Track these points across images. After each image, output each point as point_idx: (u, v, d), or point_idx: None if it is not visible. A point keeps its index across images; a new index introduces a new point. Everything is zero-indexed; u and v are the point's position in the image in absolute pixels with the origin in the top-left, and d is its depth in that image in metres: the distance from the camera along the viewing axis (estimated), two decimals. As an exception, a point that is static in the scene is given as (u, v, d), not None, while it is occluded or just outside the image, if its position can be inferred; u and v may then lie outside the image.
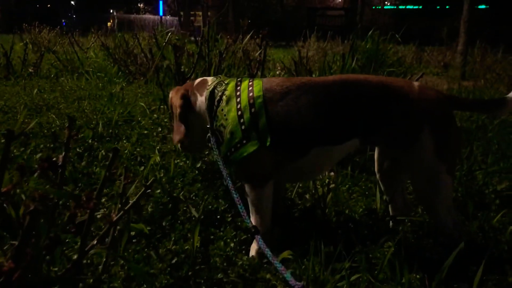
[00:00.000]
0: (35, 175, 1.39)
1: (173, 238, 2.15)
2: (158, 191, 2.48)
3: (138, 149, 3.27)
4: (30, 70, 7.01)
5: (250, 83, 2.17)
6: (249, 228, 1.89)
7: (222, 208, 2.43)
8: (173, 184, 2.63)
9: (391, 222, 2.42)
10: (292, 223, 2.39)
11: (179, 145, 2.34)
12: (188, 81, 2.48)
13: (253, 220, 2.11)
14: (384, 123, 2.04)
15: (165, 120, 3.89)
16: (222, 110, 2.14)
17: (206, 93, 2.22)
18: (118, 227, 1.80)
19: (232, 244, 2.16)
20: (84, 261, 1.82)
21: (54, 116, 4.19)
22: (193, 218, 2.32)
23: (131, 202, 1.65)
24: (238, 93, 2.14)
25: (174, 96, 2.31)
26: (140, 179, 2.63)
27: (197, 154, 2.98)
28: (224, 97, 2.16)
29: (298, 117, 2.04)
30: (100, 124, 3.69)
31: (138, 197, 1.67)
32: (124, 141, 3.52)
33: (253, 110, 2.06)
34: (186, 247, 2.05)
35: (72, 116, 4.10)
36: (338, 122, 2.06)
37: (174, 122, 2.28)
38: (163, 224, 2.28)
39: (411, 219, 2.39)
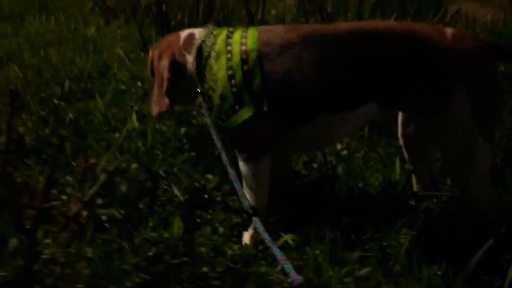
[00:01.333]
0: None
1: (150, 224, 2.13)
2: (134, 165, 2.44)
3: (113, 110, 3.21)
4: (-12, 8, 6.87)
5: (243, 34, 2.07)
6: (246, 209, 1.86)
7: (211, 185, 2.39)
8: (152, 155, 2.58)
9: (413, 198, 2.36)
10: (296, 201, 2.35)
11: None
12: (171, 34, 2.34)
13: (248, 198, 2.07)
14: (408, 82, 1.95)
15: (146, 72, 3.80)
16: (211, 69, 2.05)
17: (193, 50, 2.12)
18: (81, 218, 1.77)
19: (221, 230, 2.14)
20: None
21: (16, 68, 4.13)
22: (175, 199, 2.28)
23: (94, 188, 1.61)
24: (229, 47, 2.04)
25: (158, 59, 2.18)
26: (113, 151, 2.59)
27: (182, 116, 2.92)
28: (212, 53, 2.06)
29: (302, 76, 1.95)
30: (67, 80, 3.62)
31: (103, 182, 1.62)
32: (98, 100, 3.46)
33: (245, 67, 1.97)
34: (165, 236, 2.03)
35: (37, 68, 4.08)
36: (352, 82, 1.97)
37: (155, 89, 2.20)
38: (140, 206, 2.24)
39: (437, 194, 2.33)
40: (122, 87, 3.62)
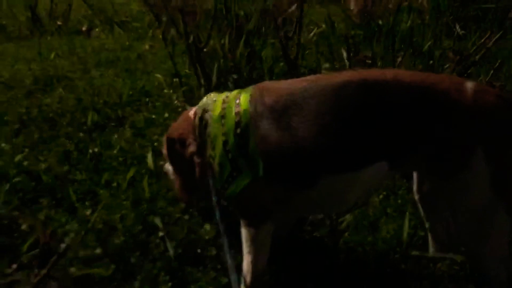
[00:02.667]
0: None
1: (137, 285, 2.07)
2: (132, 216, 2.39)
3: (134, 146, 3.18)
4: (58, 23, 7.13)
5: (238, 95, 1.97)
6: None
7: (206, 237, 2.30)
8: (152, 204, 2.52)
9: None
10: (292, 259, 2.21)
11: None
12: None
13: (244, 262, 1.97)
14: (421, 141, 1.76)
15: (179, 99, 3.77)
16: (209, 136, 1.96)
17: (195, 120, 2.04)
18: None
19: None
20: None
21: (62, 92, 4.23)
22: (167, 253, 2.21)
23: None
24: (223, 113, 1.94)
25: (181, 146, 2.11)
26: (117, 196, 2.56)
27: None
28: (210, 120, 1.97)
29: (300, 135, 1.79)
30: (91, 110, 3.63)
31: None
32: (128, 129, 3.45)
33: (238, 130, 1.86)
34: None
35: (79, 92, 4.15)
36: (356, 140, 1.78)
37: (181, 174, 2.15)
38: (132, 261, 2.20)
39: (451, 258, 2.12)
40: (152, 116, 3.59)
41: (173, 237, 2.30)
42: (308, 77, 1.95)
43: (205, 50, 3.61)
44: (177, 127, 2.14)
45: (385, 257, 2.22)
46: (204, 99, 2.10)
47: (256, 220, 1.93)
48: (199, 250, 2.25)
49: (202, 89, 3.60)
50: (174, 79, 4.05)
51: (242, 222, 1.96)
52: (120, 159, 3.00)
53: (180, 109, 3.58)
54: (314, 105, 1.79)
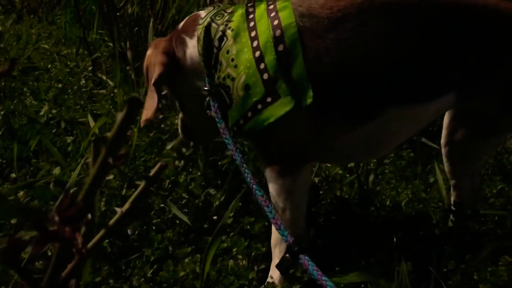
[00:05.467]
0: None
1: (151, 259, 1.50)
2: (110, 177, 1.78)
3: (53, 111, 2.48)
4: None
5: (271, 7, 1.53)
6: (288, 244, 1.35)
7: (217, 202, 1.79)
8: (133, 165, 1.93)
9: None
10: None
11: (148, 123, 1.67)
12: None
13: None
14: (494, 69, 1.51)
15: (89, 69, 3.10)
16: (228, 52, 1.49)
17: (198, 31, 1.57)
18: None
19: (244, 263, 1.57)
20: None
21: None
22: (177, 222, 1.66)
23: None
24: (251, 24, 1.50)
25: (153, 53, 1.65)
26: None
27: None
28: (228, 31, 1.51)
29: (364, 57, 1.43)
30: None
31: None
32: (30, 98, 2.71)
33: (281, 47, 1.42)
34: (180, 274, 1.42)
35: None
36: (427, 67, 1.48)
37: (147, 95, 1.63)
38: (128, 233, 1.60)
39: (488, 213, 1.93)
40: (59, 85, 2.89)
41: (175, 203, 1.74)
42: None
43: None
44: (160, 40, 1.70)
45: (422, 214, 1.94)
46: (208, 9, 1.66)
47: (293, 164, 1.50)
48: (215, 217, 1.73)
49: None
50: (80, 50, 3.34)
51: (271, 172, 1.51)
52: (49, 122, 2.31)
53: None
54: (381, 24, 1.46)
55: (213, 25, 1.55)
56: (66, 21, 4.24)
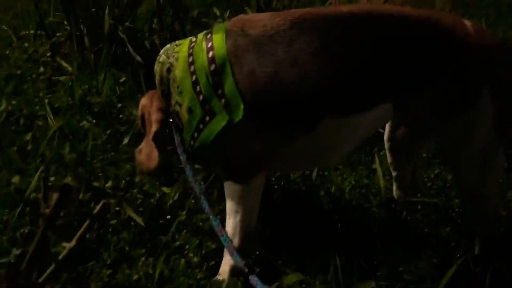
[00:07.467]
0: None
1: (108, 261, 1.62)
2: (69, 179, 1.88)
3: (13, 102, 2.53)
4: None
5: (208, 32, 1.66)
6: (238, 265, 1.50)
7: (170, 202, 1.92)
8: (89, 165, 2.02)
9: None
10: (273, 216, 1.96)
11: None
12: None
13: (230, 224, 1.64)
14: (428, 80, 1.62)
15: (48, 54, 3.12)
16: (174, 81, 1.63)
17: (155, 66, 1.72)
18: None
19: (195, 260, 1.70)
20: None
21: None
22: (132, 223, 1.78)
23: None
24: (190, 51, 1.62)
25: (147, 105, 1.77)
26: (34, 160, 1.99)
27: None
28: (174, 62, 1.64)
29: (300, 70, 1.53)
30: None
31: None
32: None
33: (213, 67, 1.54)
34: (137, 275, 1.57)
35: None
36: (362, 77, 1.58)
37: (145, 142, 1.77)
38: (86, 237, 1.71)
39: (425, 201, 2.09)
40: (17, 71, 2.91)
41: (127, 204, 1.86)
42: (298, 10, 1.71)
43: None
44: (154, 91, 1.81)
45: (363, 204, 2.10)
46: (167, 46, 1.76)
47: (245, 173, 1.62)
48: (168, 216, 1.86)
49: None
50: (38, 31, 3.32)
51: (226, 178, 1.64)
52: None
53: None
54: (316, 37, 1.56)
55: (165, 59, 1.67)
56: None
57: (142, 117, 1.78)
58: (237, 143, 1.58)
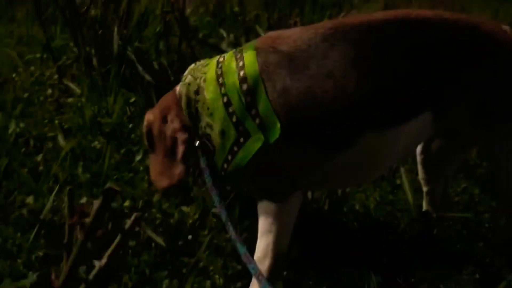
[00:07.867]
0: None
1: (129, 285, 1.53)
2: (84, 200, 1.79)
3: (22, 124, 2.45)
4: None
5: (238, 51, 1.59)
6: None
7: (190, 220, 1.82)
8: (104, 184, 1.94)
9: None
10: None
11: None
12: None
13: (262, 244, 1.54)
14: (469, 88, 1.54)
15: (55, 77, 3.05)
16: (204, 103, 1.55)
17: (180, 88, 1.65)
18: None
19: (221, 282, 1.60)
20: None
21: None
22: (153, 244, 1.69)
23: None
24: (219, 72, 1.55)
25: (162, 122, 1.65)
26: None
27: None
28: (202, 83, 1.57)
29: (335, 84, 1.46)
30: None
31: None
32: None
33: (245, 87, 1.48)
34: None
35: None
36: (400, 87, 1.51)
37: (158, 158, 1.65)
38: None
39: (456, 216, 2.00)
40: (25, 95, 2.85)
41: (147, 224, 1.77)
42: (328, 21, 1.65)
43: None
44: (159, 103, 1.72)
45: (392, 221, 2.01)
46: (191, 66, 1.70)
47: (281, 192, 1.54)
48: (190, 236, 1.76)
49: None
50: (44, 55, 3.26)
51: (261, 197, 1.55)
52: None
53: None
54: (350, 47, 1.49)
55: (190, 79, 1.61)
56: (27, 20, 4.13)
57: (148, 133, 1.68)
58: (273, 163, 1.51)
